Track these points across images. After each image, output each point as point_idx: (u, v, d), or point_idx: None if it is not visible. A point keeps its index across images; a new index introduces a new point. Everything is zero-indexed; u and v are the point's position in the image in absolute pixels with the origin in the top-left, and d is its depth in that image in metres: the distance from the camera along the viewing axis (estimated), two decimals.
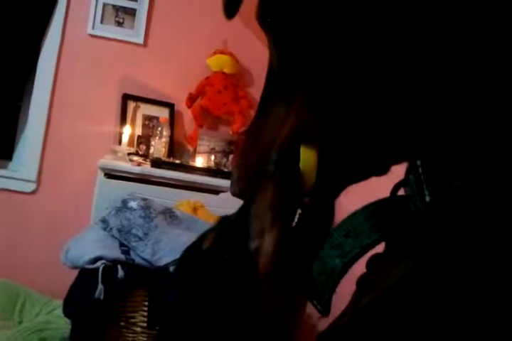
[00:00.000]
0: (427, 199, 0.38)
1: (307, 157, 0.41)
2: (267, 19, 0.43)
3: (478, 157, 0.35)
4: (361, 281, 0.42)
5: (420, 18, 0.36)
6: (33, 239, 2.51)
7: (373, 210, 0.44)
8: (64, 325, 2.04)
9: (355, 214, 0.44)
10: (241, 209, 0.44)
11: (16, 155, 2.59)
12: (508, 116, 0.35)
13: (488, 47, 0.35)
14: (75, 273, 1.85)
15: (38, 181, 2.53)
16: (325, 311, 0.44)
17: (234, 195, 0.49)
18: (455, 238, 0.34)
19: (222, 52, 2.56)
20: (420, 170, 0.38)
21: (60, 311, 2.18)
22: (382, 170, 0.42)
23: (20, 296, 2.28)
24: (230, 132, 2.62)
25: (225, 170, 2.44)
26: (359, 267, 0.43)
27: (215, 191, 2.27)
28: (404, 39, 0.36)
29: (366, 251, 0.43)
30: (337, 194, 0.44)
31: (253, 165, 0.47)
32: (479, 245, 0.33)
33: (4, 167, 2.55)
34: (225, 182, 2.25)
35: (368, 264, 0.43)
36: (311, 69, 0.40)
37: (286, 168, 0.42)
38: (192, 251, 0.46)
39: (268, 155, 0.44)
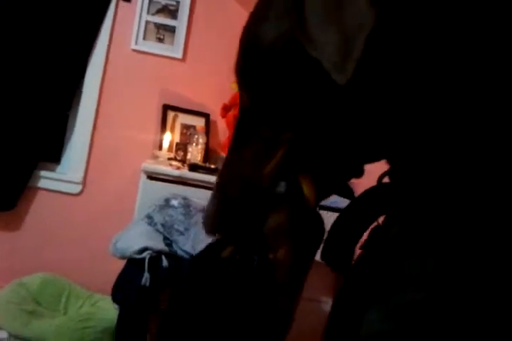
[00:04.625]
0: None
1: (307, 184, 0.55)
2: (242, 80, 0.57)
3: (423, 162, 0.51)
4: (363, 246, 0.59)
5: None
6: (78, 237, 2.68)
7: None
8: (107, 316, 2.19)
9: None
10: (252, 225, 0.55)
11: (63, 160, 2.78)
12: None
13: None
14: (116, 269, 1.99)
15: (84, 183, 2.71)
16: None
17: (210, 232, 0.58)
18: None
19: None
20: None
21: (102, 303, 2.34)
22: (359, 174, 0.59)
23: (65, 289, 2.44)
24: None
25: None
26: None
27: None
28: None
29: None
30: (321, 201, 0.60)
31: (237, 198, 0.56)
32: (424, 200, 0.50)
33: (53, 170, 2.74)
34: None
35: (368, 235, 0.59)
36: (281, 114, 0.53)
37: (294, 195, 0.54)
38: (206, 258, 0.57)
39: (259, 184, 0.55)
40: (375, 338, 0.49)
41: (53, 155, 2.78)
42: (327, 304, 1.89)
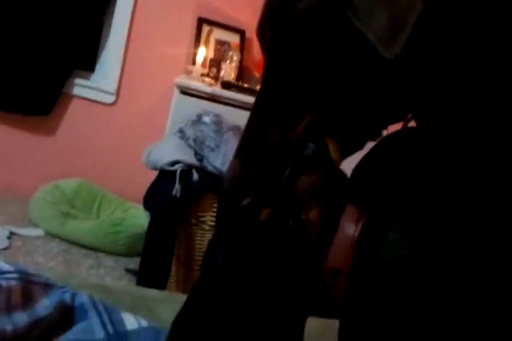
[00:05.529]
0: None
1: (333, 146, 0.57)
2: (271, 46, 0.56)
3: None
4: None
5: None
6: (111, 146, 2.76)
7: None
8: (138, 222, 2.31)
9: None
10: (283, 187, 0.56)
11: (98, 68, 2.78)
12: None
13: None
14: (148, 179, 2.05)
15: (118, 94, 2.74)
16: None
17: (232, 188, 0.59)
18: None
19: None
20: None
21: (133, 211, 2.46)
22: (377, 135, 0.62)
23: (98, 195, 2.56)
24: None
25: None
26: None
27: None
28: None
29: None
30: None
31: (259, 161, 0.57)
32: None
33: (87, 78, 2.76)
34: None
35: None
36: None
37: (322, 158, 0.56)
38: (244, 220, 0.57)
39: (284, 146, 0.56)
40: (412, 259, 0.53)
41: (88, 63, 2.77)
42: (350, 228, 1.98)
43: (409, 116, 0.60)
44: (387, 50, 0.46)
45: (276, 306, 0.55)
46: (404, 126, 0.61)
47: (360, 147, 0.61)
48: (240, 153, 0.58)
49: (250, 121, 0.59)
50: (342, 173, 0.59)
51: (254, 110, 0.59)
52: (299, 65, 0.54)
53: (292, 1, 0.52)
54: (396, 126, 0.62)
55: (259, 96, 0.59)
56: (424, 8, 0.45)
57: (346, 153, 0.60)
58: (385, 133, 0.66)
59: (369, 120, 0.58)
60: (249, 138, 0.58)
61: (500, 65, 0.51)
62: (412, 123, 0.60)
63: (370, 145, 0.63)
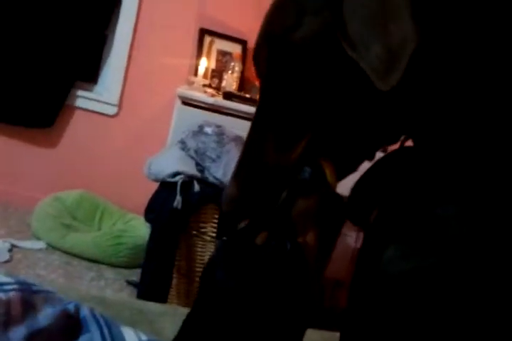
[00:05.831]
0: None
1: (329, 170, 0.57)
2: (267, 72, 0.56)
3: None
4: None
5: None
6: (113, 158, 2.76)
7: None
8: (139, 234, 2.30)
9: None
10: (280, 211, 0.56)
11: (100, 80, 2.79)
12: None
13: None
14: (149, 190, 2.05)
15: (120, 105, 2.75)
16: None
17: (231, 213, 0.58)
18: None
19: None
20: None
21: (134, 222, 2.45)
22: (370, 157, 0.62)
23: (99, 206, 2.55)
24: None
25: None
26: None
27: None
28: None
29: None
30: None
31: (257, 185, 0.57)
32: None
33: (90, 90, 2.77)
34: None
35: None
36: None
37: (319, 181, 0.56)
38: (240, 244, 0.57)
39: (281, 169, 0.56)
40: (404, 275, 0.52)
41: (90, 75, 2.79)
42: (351, 237, 1.97)
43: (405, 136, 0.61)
44: (383, 82, 0.47)
45: (273, 325, 0.55)
46: (402, 145, 0.62)
47: (354, 169, 0.62)
48: (237, 175, 0.58)
49: (248, 143, 0.59)
50: (338, 196, 0.60)
51: (252, 132, 0.59)
52: (295, 90, 0.55)
53: (291, 29, 0.53)
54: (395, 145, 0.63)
55: (256, 120, 0.59)
56: (418, 42, 0.45)
57: (341, 176, 0.60)
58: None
59: (364, 143, 0.58)
60: (247, 161, 0.58)
61: (496, 88, 0.51)
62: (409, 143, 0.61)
63: (363, 167, 0.63)
